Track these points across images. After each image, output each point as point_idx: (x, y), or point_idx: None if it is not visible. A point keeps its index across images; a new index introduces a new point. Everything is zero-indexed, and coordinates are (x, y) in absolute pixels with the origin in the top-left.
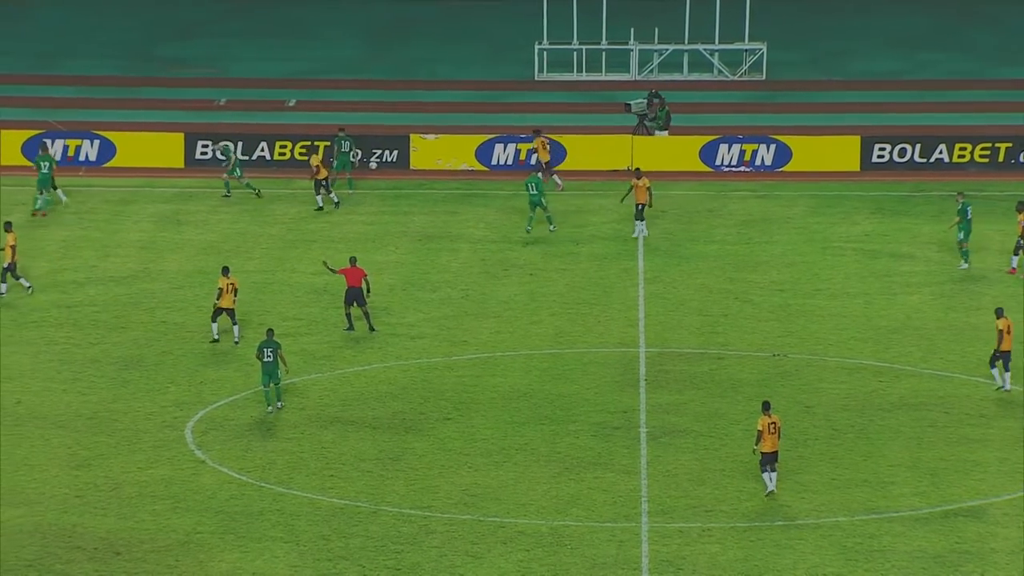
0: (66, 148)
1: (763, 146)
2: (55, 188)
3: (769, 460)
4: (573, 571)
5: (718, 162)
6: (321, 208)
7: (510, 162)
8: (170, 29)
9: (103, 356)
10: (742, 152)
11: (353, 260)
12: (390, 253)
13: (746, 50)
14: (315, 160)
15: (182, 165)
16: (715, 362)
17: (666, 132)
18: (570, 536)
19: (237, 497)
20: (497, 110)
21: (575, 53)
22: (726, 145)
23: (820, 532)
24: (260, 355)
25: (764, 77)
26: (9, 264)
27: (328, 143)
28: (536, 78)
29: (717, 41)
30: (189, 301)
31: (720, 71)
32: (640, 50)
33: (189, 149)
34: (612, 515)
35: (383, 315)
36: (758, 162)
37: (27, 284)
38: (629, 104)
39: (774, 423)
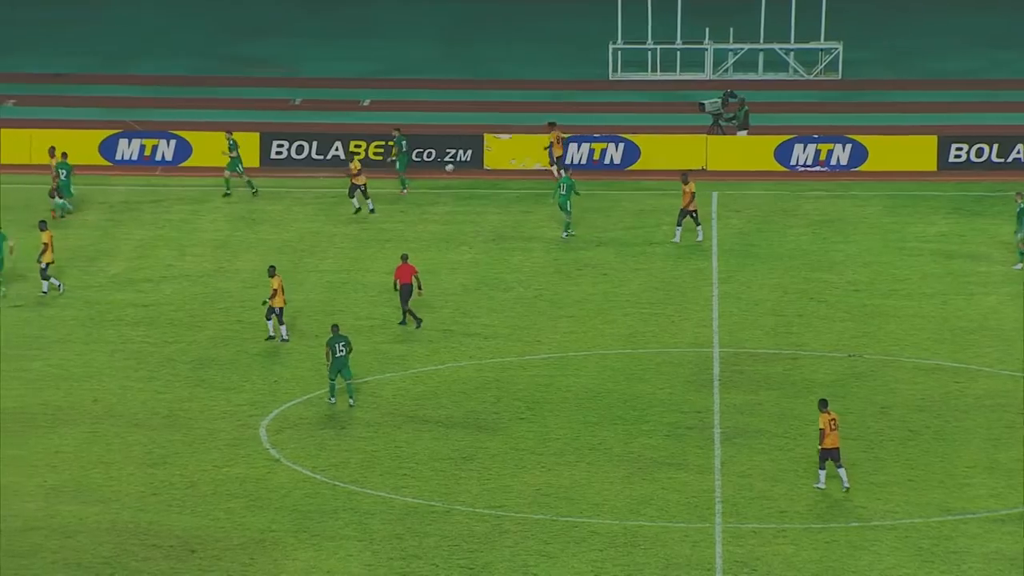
0: (142, 148)
1: (839, 146)
2: (66, 196)
3: (833, 456)
4: (647, 571)
5: (793, 162)
6: (359, 210)
7: (584, 162)
8: (245, 29)
9: (179, 355)
10: (817, 152)
11: (404, 257)
12: (464, 253)
13: (822, 49)
14: (356, 165)
15: (257, 164)
16: (790, 362)
17: (746, 132)
18: (644, 536)
19: (311, 496)
20: (571, 110)
21: (650, 53)
22: (801, 145)
23: (895, 533)
24: (332, 351)
25: (840, 76)
26: (46, 263)
27: (392, 143)
28: (610, 77)
29: (793, 40)
30: (264, 300)
31: (796, 70)
32: (715, 49)
33: (264, 148)
34: (686, 515)
35: (457, 315)
36: (834, 162)
37: (58, 283)
38: (703, 104)
39: (834, 419)
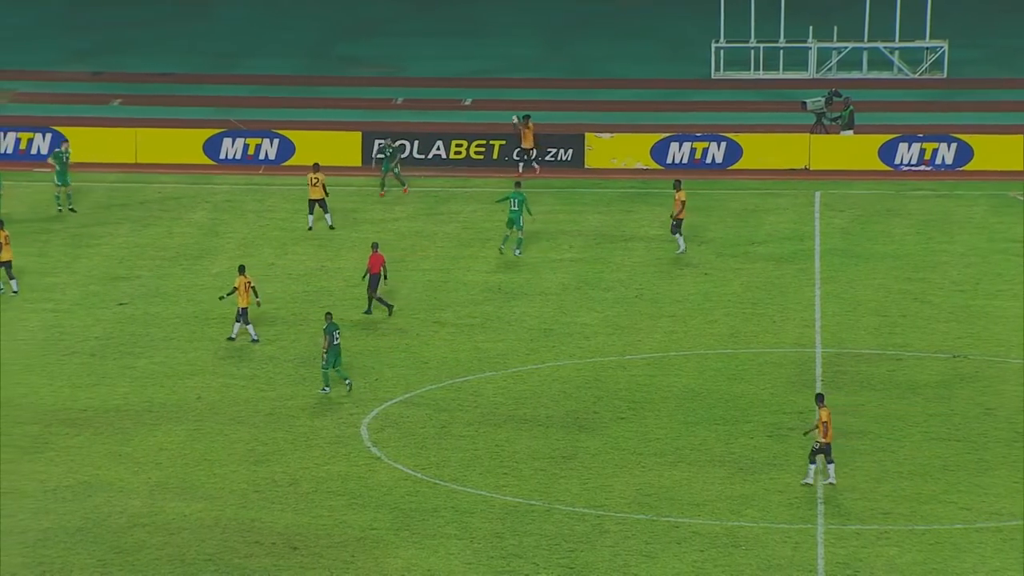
0: (246, 147)
1: (944, 145)
2: None
3: (825, 451)
4: (747, 572)
5: (897, 161)
6: (311, 228)
7: (685, 161)
8: (349, 28)
9: (281, 353)
10: (922, 151)
11: (375, 246)
12: (564, 251)
13: (927, 48)
14: (314, 178)
15: (359, 164)
16: (893, 363)
17: (851, 131)
18: (745, 537)
19: (412, 494)
20: (673, 109)
21: (752, 51)
22: (906, 144)
23: (1001, 535)
24: (331, 339)
25: (945, 75)
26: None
27: (502, 142)
28: (712, 76)
29: (897, 39)
30: (365, 298)
31: (900, 69)
32: (818, 48)
33: (366, 148)
34: (787, 516)
35: (557, 314)
36: (938, 161)
37: (14, 283)
38: (805, 102)
39: (829, 414)
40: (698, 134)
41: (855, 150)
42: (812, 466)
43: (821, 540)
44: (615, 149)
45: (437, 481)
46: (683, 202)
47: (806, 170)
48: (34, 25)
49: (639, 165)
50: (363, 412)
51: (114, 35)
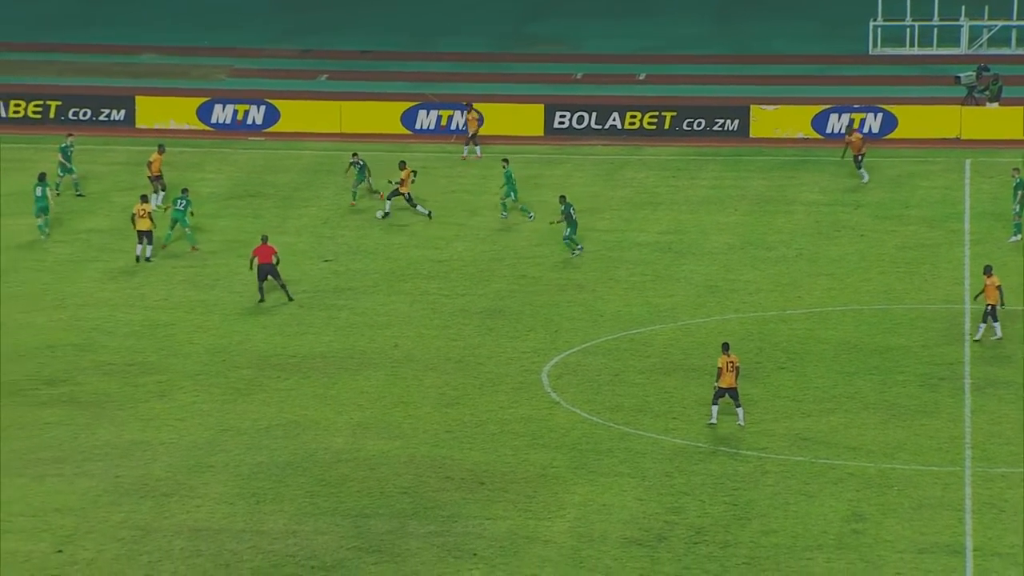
0: (439, 118)
1: None
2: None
3: (731, 395)
4: (900, 511)
5: None
6: (388, 214)
7: (844, 131)
8: (533, 9)
9: (469, 306)
10: None
11: (264, 239)
12: (730, 215)
13: None
14: (407, 174)
15: (542, 133)
16: None
17: (997, 104)
18: (897, 478)
19: (588, 436)
20: (832, 82)
21: (908, 29)
22: None
23: None
24: (568, 216)
25: None
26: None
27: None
28: (870, 52)
29: None
30: (546, 257)
31: None
32: (970, 26)
33: (548, 119)
34: (937, 460)
35: (723, 272)
36: None
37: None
38: (959, 77)
39: (732, 362)
40: (856, 106)
41: (1003, 121)
42: (714, 407)
43: (969, 481)
44: (778, 120)
45: (611, 424)
46: (860, 140)
47: (957, 139)
48: (249, 6)
49: (800, 135)
50: (544, 360)
51: (322, 16)
